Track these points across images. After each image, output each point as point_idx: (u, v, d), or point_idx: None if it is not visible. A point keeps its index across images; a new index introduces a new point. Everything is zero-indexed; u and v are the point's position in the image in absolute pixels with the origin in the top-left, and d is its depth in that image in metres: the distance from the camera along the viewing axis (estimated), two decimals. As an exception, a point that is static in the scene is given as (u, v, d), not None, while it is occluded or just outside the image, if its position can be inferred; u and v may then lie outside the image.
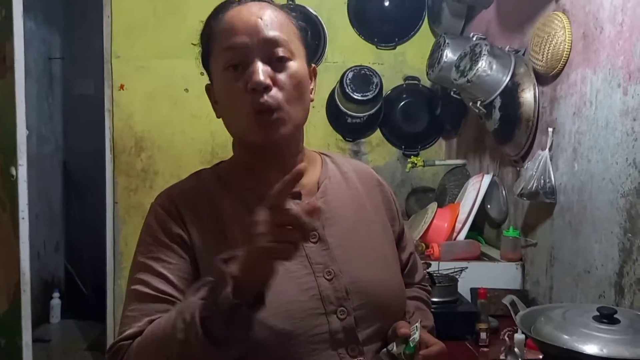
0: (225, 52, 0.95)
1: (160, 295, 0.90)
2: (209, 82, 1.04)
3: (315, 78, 1.06)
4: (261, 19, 0.95)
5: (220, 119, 1.02)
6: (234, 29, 0.95)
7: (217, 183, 1.01)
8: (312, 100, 1.02)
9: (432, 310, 1.81)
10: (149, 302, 0.90)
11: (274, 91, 0.93)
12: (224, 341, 0.80)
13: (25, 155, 2.53)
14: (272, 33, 0.95)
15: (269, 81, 0.92)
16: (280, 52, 0.95)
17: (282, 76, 0.95)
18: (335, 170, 1.08)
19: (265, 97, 0.92)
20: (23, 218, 2.53)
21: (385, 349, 0.96)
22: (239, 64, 0.94)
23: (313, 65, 1.05)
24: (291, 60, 0.96)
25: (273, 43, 0.95)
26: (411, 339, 0.93)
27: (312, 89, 1.04)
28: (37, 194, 4.07)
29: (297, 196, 0.98)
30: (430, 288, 1.26)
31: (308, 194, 1.01)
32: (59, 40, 4.69)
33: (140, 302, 0.91)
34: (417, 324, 0.96)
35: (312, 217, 0.76)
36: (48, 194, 4.44)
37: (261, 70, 0.92)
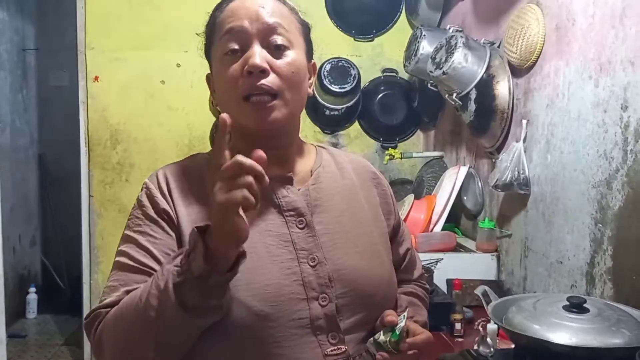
0: (225, 37, 0.96)
1: (141, 267, 0.91)
2: (209, 72, 1.05)
3: (315, 74, 1.06)
4: (263, 7, 0.96)
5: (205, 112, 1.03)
6: (235, 14, 0.96)
7: (208, 165, 1.01)
8: (310, 95, 1.03)
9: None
10: (130, 273, 0.91)
11: (272, 76, 0.93)
12: (197, 309, 0.81)
13: (-4, 148, 2.49)
14: (272, 20, 0.96)
15: (266, 65, 0.93)
16: (279, 39, 0.95)
17: (280, 62, 0.95)
18: (330, 160, 1.09)
19: (262, 80, 0.92)
20: (-5, 212, 2.49)
21: (372, 338, 0.96)
22: (237, 48, 0.95)
23: (313, 61, 1.06)
24: (290, 49, 0.97)
25: (272, 30, 0.95)
26: (397, 326, 0.94)
27: (311, 83, 1.04)
28: (12, 187, 4.01)
29: (289, 181, 1.00)
30: (428, 286, 1.24)
31: (300, 182, 1.02)
32: (33, 31, 4.61)
33: (121, 273, 0.92)
34: (404, 313, 0.97)
35: (260, 164, 0.77)
36: (23, 187, 4.38)
37: (259, 54, 0.93)
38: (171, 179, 0.98)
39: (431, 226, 2.39)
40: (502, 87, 2.06)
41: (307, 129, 3.23)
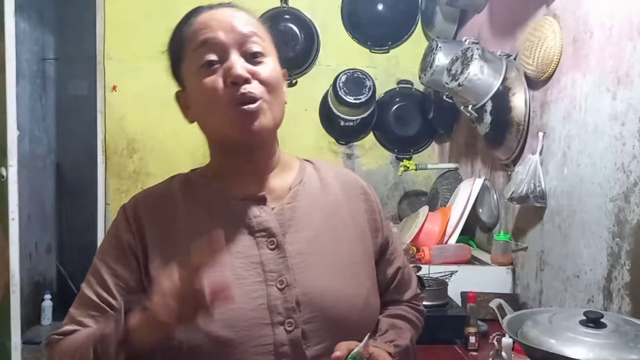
0: (199, 50, 0.94)
1: (97, 301, 0.92)
2: (178, 90, 1.02)
3: (285, 83, 1.03)
4: (235, 18, 0.96)
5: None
6: (207, 26, 0.95)
7: (185, 186, 1.00)
8: (285, 103, 1.00)
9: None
10: (87, 305, 0.93)
11: (254, 84, 0.92)
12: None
13: (15, 156, 2.52)
14: (247, 29, 0.95)
15: (248, 74, 0.92)
16: (256, 47, 0.95)
17: (259, 69, 0.94)
18: (313, 175, 1.05)
19: (247, 88, 0.91)
20: (13, 219, 2.52)
21: None
22: (215, 60, 0.93)
23: (284, 69, 1.03)
24: (266, 56, 0.96)
25: (248, 38, 0.94)
26: (356, 352, 0.87)
27: (285, 92, 1.02)
28: (29, 194, 4.06)
29: (262, 201, 0.96)
30: (422, 308, 1.17)
31: (276, 199, 0.98)
32: (53, 41, 4.68)
33: (80, 303, 0.95)
34: (365, 338, 0.90)
35: (223, 297, 0.78)
36: (40, 195, 4.42)
37: (239, 64, 0.92)
38: (141, 206, 0.97)
39: (445, 238, 2.38)
40: (519, 99, 2.05)
41: (322, 139, 3.25)
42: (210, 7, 0.99)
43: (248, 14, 1.00)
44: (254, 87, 0.92)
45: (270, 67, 0.96)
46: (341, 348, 0.88)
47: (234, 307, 0.86)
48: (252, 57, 0.94)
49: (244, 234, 0.94)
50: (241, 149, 0.96)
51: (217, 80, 0.92)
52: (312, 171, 1.06)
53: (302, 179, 1.03)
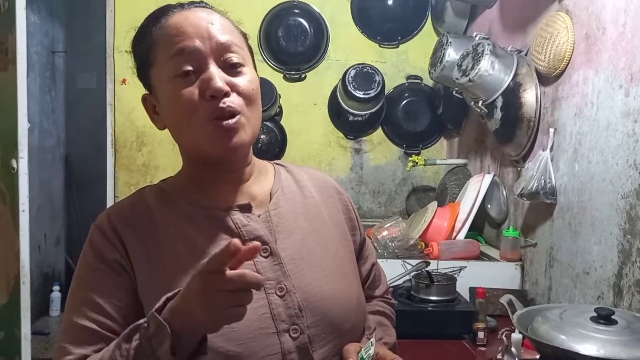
0: (175, 58, 0.89)
1: (97, 329, 0.86)
2: (146, 93, 0.97)
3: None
4: (212, 24, 0.91)
5: None
6: (184, 33, 0.89)
7: (160, 198, 0.95)
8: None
9: (430, 309, 1.84)
10: (85, 335, 0.86)
11: (233, 96, 0.89)
12: None
13: (26, 148, 2.53)
14: (224, 37, 0.90)
15: (227, 87, 0.88)
16: (235, 58, 0.91)
17: (238, 81, 0.90)
18: (289, 179, 1.04)
19: (227, 102, 0.87)
20: (23, 210, 2.53)
21: None
22: (190, 70, 0.88)
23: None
24: (244, 66, 0.92)
25: (226, 48, 0.90)
26: (366, 355, 0.90)
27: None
28: (39, 187, 4.08)
29: (247, 209, 0.94)
30: (394, 301, 1.21)
31: (260, 206, 0.97)
32: (63, 33, 4.69)
33: (74, 335, 0.87)
34: (372, 340, 0.93)
35: (253, 256, 0.75)
36: (49, 187, 4.45)
37: (218, 76, 0.88)
38: (117, 222, 0.91)
39: (454, 234, 2.38)
40: (529, 95, 2.05)
41: (330, 134, 3.25)
42: (182, 5, 0.94)
43: (223, 17, 0.95)
44: (233, 101, 0.88)
45: (248, 77, 0.92)
46: (350, 351, 0.91)
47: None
48: (231, 68, 0.90)
49: None
50: (218, 161, 0.93)
51: (193, 92, 0.88)
52: (287, 175, 1.05)
53: (280, 183, 1.02)
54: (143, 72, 0.95)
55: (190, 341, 0.79)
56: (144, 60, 0.94)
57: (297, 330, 0.89)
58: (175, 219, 0.93)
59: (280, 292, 0.90)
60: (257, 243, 0.75)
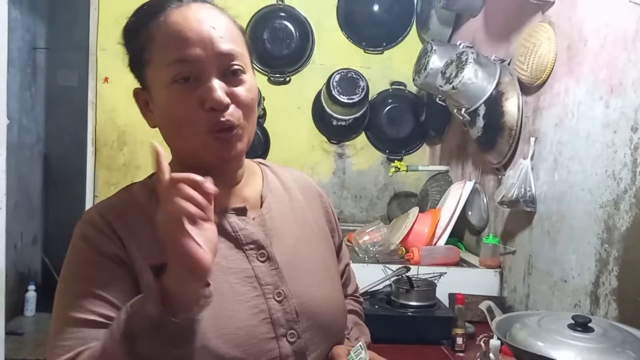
0: (175, 65, 0.86)
1: (99, 320, 0.81)
2: (138, 87, 0.94)
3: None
4: (214, 28, 0.88)
5: None
6: (186, 40, 0.86)
7: (151, 198, 0.88)
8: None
9: (409, 314, 1.84)
10: (87, 329, 0.81)
11: (232, 108, 0.87)
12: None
13: (4, 144, 2.49)
14: (227, 46, 0.88)
15: (228, 100, 0.86)
16: (236, 66, 0.89)
17: (238, 91, 0.89)
18: (276, 181, 1.04)
19: (226, 115, 0.86)
20: (0, 208, 2.49)
21: None
22: (190, 77, 0.86)
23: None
24: (244, 72, 0.90)
25: (229, 57, 0.88)
26: (357, 358, 0.91)
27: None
28: (16, 184, 4.02)
29: (243, 212, 0.94)
30: (362, 299, 1.23)
31: (252, 209, 0.96)
32: (44, 30, 4.64)
33: (77, 329, 0.82)
34: (360, 343, 0.95)
35: (208, 198, 0.72)
36: (27, 185, 4.38)
37: (219, 88, 0.86)
38: (111, 218, 0.87)
39: (435, 240, 2.39)
40: (512, 104, 2.07)
41: (314, 138, 3.25)
42: (180, 0, 0.90)
43: (223, 15, 0.92)
44: (232, 114, 0.87)
45: (247, 86, 0.90)
46: (340, 354, 0.93)
47: (241, 325, 0.85)
48: (232, 75, 0.89)
49: (232, 248, 0.91)
50: (213, 167, 0.89)
51: (192, 101, 0.86)
52: (273, 177, 1.05)
53: (268, 186, 1.02)
54: (137, 67, 0.92)
55: (186, 297, 0.72)
56: (138, 55, 0.91)
57: (294, 335, 0.90)
58: None
59: (278, 297, 0.91)
60: (208, 177, 0.73)
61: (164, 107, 0.89)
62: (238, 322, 0.85)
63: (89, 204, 3.10)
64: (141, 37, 0.90)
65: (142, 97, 0.93)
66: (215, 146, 0.87)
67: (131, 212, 0.89)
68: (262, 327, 0.88)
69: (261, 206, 0.98)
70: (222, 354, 0.83)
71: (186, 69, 0.86)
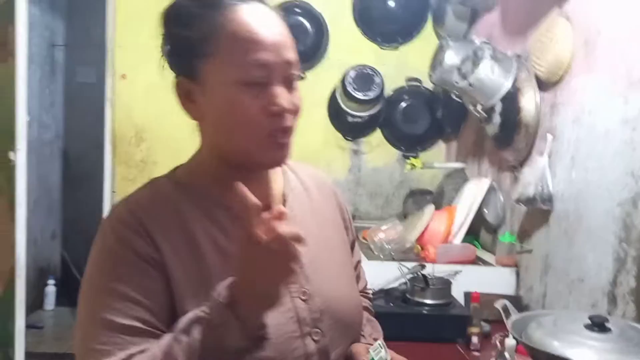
0: (249, 67, 0.85)
1: (139, 325, 0.81)
2: (181, 76, 0.91)
3: None
4: (281, 34, 0.89)
5: None
6: (261, 43, 0.86)
7: (180, 193, 0.91)
8: None
9: (425, 312, 1.84)
10: (125, 335, 0.80)
11: (291, 115, 0.90)
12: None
13: (24, 140, 2.54)
14: (292, 55, 0.90)
15: (292, 107, 0.89)
16: (296, 74, 0.91)
17: (294, 98, 0.91)
18: (295, 180, 1.04)
19: (287, 122, 0.88)
20: (21, 203, 2.53)
21: None
22: (260, 81, 0.86)
23: None
24: (296, 80, 0.92)
25: (293, 65, 0.90)
26: (377, 357, 0.92)
27: None
28: (36, 180, 4.07)
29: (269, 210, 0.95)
30: (371, 295, 1.23)
31: None
32: (63, 27, 4.68)
33: (116, 334, 0.80)
34: (379, 342, 0.95)
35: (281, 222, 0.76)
36: (46, 181, 4.44)
37: (285, 95, 0.88)
38: (141, 214, 0.86)
39: (451, 238, 2.38)
40: (528, 101, 2.05)
41: (329, 134, 3.24)
42: None
43: (282, 19, 0.92)
44: (291, 120, 0.90)
45: (299, 93, 0.92)
46: (360, 352, 0.94)
47: (271, 324, 0.84)
48: (290, 82, 0.90)
49: None
50: (258, 167, 0.94)
51: (256, 103, 0.86)
52: (292, 175, 1.05)
53: (289, 184, 1.02)
54: (187, 56, 0.89)
55: (254, 322, 0.80)
56: (194, 44, 0.88)
57: (318, 334, 0.91)
58: (201, 219, 0.90)
59: (303, 296, 0.92)
60: (281, 207, 0.78)
61: (221, 104, 0.88)
62: (267, 320, 0.84)
63: (107, 200, 3.14)
64: (201, 27, 0.87)
65: (185, 87, 0.91)
66: (272, 150, 0.89)
67: (159, 206, 0.89)
68: (289, 325, 0.88)
69: (284, 205, 0.98)
70: (253, 353, 0.83)
71: (259, 73, 0.86)
